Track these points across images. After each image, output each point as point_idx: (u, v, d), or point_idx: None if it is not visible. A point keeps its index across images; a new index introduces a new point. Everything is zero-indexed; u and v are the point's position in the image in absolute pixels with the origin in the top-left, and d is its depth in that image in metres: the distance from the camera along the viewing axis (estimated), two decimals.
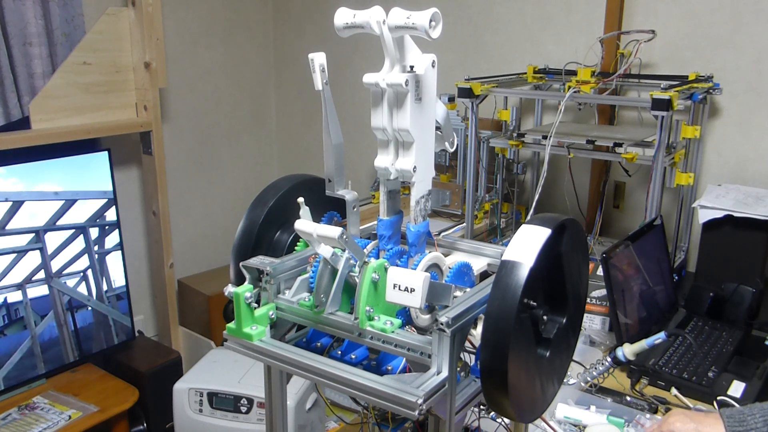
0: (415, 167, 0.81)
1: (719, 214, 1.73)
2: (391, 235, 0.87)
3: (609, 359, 1.43)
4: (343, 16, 0.78)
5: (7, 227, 2.00)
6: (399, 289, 0.71)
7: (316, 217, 0.86)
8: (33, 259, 2.09)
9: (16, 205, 2.02)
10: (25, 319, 2.09)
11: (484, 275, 0.91)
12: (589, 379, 1.43)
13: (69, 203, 2.16)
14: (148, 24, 2.33)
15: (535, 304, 0.73)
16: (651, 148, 1.71)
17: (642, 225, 1.73)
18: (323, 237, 0.76)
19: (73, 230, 2.18)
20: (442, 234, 1.00)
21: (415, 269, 0.79)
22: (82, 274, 2.24)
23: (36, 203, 2.07)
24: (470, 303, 0.74)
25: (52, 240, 2.13)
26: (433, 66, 0.80)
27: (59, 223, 2.14)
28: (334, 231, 0.74)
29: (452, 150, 0.91)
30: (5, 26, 2.10)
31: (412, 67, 0.78)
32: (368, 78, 0.78)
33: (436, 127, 0.86)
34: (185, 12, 2.80)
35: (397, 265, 0.83)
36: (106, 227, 2.29)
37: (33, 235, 2.08)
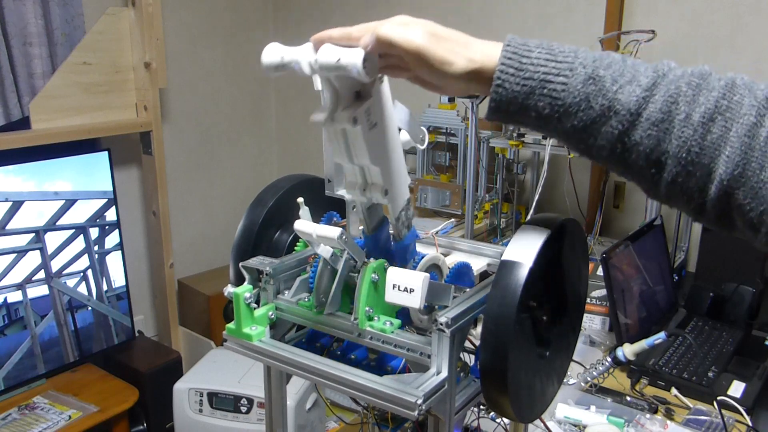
0: (386, 191, 0.76)
1: None
2: (381, 248, 0.86)
3: (609, 359, 1.43)
4: (272, 54, 0.69)
5: (7, 227, 2.01)
6: (398, 289, 0.71)
7: (316, 217, 0.86)
8: (33, 259, 2.09)
9: (16, 205, 2.02)
10: (25, 319, 2.09)
11: (484, 275, 0.91)
12: (589, 379, 1.43)
13: (69, 203, 2.16)
14: (148, 24, 2.33)
15: (535, 304, 0.73)
16: None
17: (642, 225, 1.73)
18: (323, 237, 0.76)
19: (73, 230, 2.19)
20: (440, 232, 0.99)
21: (414, 269, 0.79)
22: (82, 274, 2.24)
23: (36, 203, 2.07)
24: (470, 303, 0.74)
25: (52, 240, 2.13)
26: (381, 81, 0.71)
27: (59, 223, 2.14)
28: (334, 231, 0.74)
29: (423, 147, 0.86)
30: (5, 26, 2.10)
31: (358, 93, 0.69)
32: (315, 118, 0.70)
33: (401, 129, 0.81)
34: (185, 12, 2.80)
35: None
36: (106, 227, 2.29)
37: (33, 235, 2.08)
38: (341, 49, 0.64)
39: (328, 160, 0.85)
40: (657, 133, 0.56)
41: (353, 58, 0.62)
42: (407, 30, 0.62)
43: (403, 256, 0.82)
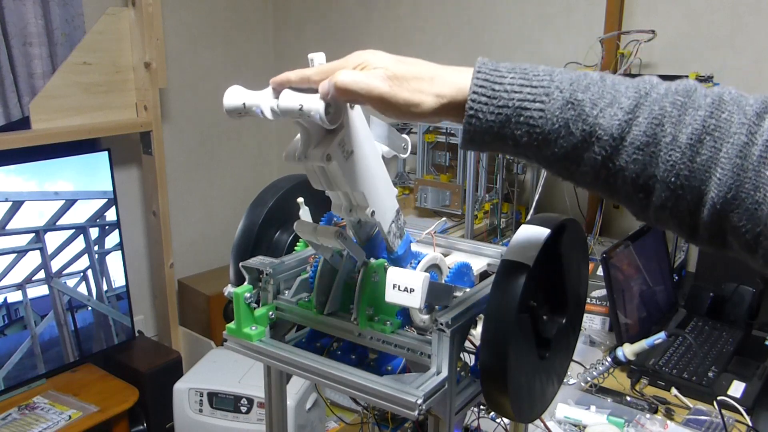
0: (373, 211, 0.75)
1: None
2: (376, 255, 0.85)
3: (609, 359, 1.43)
4: (233, 98, 0.66)
5: (7, 227, 2.01)
6: (398, 289, 0.71)
7: (316, 218, 0.86)
8: (33, 259, 2.09)
9: (16, 205, 2.02)
10: (25, 319, 2.09)
11: (484, 275, 0.91)
12: (589, 379, 1.43)
13: (69, 203, 2.16)
14: (148, 24, 2.33)
15: (535, 304, 0.73)
16: None
17: (642, 225, 1.73)
18: (323, 237, 0.76)
19: (73, 230, 2.19)
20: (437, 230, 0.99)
21: (414, 269, 0.79)
22: (82, 274, 2.24)
23: (36, 203, 2.07)
24: (470, 303, 0.74)
25: (53, 240, 2.13)
26: (351, 108, 0.69)
27: (59, 223, 2.14)
28: (334, 231, 0.74)
29: (406, 155, 0.85)
30: (5, 26, 2.10)
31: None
32: (288, 157, 0.69)
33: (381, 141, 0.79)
34: (185, 12, 2.80)
35: None
36: (106, 227, 2.29)
37: (33, 235, 2.08)
38: (303, 96, 0.62)
39: None
40: (643, 157, 0.54)
41: (315, 105, 0.61)
42: (366, 77, 0.59)
43: (401, 261, 0.82)
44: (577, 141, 0.55)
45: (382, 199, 0.76)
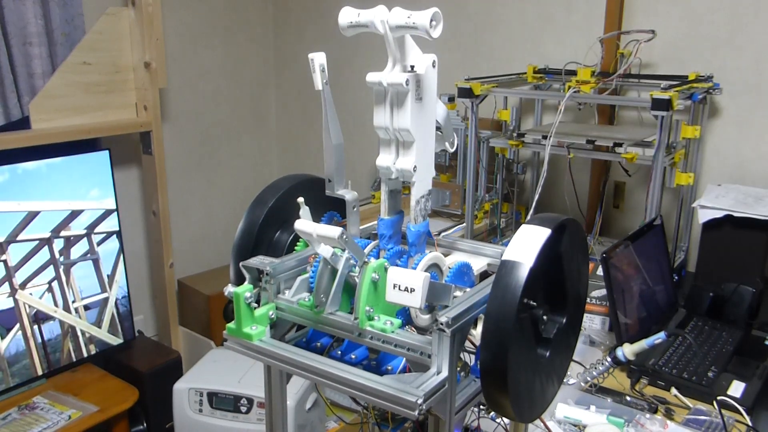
0: (415, 167, 0.81)
1: (719, 214, 1.73)
2: (392, 235, 0.88)
3: (609, 359, 1.43)
4: (347, 15, 0.79)
5: (19, 237, 2.02)
6: (399, 289, 0.71)
7: (316, 217, 0.86)
8: (41, 260, 2.09)
9: (32, 215, 2.04)
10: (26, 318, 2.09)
11: (484, 275, 0.91)
12: (589, 379, 1.43)
13: (76, 213, 2.17)
14: (148, 24, 2.33)
15: (535, 304, 0.73)
16: (651, 148, 1.71)
17: (642, 225, 1.73)
18: (323, 237, 0.76)
19: (76, 234, 2.20)
20: (442, 234, 1.00)
21: (415, 269, 0.79)
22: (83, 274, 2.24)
23: (45, 209, 2.09)
24: (470, 303, 0.75)
25: (58, 244, 2.14)
26: (433, 66, 0.80)
27: (67, 226, 2.15)
28: (334, 231, 0.74)
29: (452, 150, 0.92)
30: (5, 26, 2.10)
31: (412, 67, 0.79)
32: (371, 77, 0.79)
33: (436, 127, 0.86)
34: (185, 12, 2.80)
35: (397, 265, 0.83)
36: (106, 227, 2.29)
37: (37, 242, 2.09)
38: (411, 11, 0.73)
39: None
40: None
41: (422, 19, 0.72)
42: None
43: (416, 242, 0.84)
44: None
45: (425, 165, 0.83)
